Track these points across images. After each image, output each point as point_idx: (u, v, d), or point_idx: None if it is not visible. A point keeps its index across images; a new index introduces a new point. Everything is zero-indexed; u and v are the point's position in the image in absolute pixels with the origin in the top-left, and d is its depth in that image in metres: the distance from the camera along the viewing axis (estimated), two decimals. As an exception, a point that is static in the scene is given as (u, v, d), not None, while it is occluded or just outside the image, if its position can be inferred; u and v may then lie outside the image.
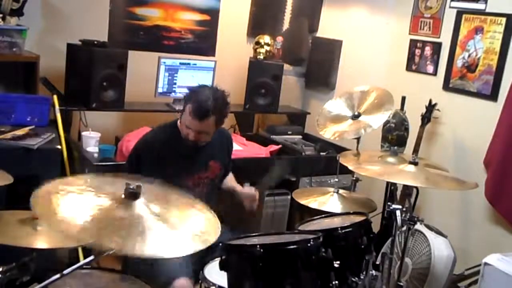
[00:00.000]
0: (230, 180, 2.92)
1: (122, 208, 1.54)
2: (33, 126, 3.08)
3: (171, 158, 2.57)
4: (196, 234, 1.59)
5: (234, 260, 1.89)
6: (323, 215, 2.58)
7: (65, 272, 1.55)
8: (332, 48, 4.46)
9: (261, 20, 4.42)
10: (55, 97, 3.26)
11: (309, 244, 1.87)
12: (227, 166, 2.88)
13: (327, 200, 2.85)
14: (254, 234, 2.14)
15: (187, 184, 2.56)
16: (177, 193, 1.77)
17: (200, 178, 2.66)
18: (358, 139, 3.02)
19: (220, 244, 1.88)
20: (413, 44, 3.83)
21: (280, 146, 3.94)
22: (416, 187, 3.24)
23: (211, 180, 2.74)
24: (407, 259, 3.15)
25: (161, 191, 1.74)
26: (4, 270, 1.55)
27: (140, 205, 1.57)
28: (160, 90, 3.80)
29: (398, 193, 3.41)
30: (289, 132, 4.28)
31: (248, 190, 2.79)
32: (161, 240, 1.51)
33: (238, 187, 2.84)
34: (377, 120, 2.97)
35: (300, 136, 4.32)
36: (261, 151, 3.79)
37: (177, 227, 1.59)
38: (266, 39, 4.13)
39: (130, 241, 1.44)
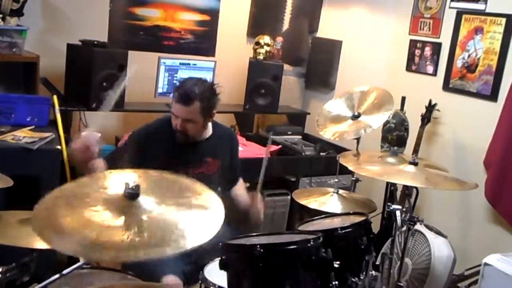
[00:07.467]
0: (239, 191, 2.85)
1: (122, 210, 1.52)
2: (33, 126, 3.08)
3: (162, 150, 2.56)
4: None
5: (234, 260, 1.88)
6: (323, 216, 2.58)
7: (65, 272, 1.55)
8: (332, 48, 4.47)
9: (261, 20, 4.42)
10: (55, 97, 3.26)
11: (309, 244, 1.87)
12: (232, 166, 2.84)
13: (327, 201, 2.85)
14: (254, 234, 2.14)
15: None
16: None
17: (193, 173, 2.64)
18: (358, 139, 3.02)
19: (220, 244, 1.88)
20: (413, 44, 3.83)
21: (280, 146, 3.94)
22: (416, 188, 3.23)
23: (207, 176, 2.71)
24: (407, 259, 3.15)
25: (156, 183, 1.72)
26: (4, 270, 1.55)
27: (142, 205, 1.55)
28: (160, 90, 3.80)
29: (398, 193, 3.41)
30: (289, 132, 4.28)
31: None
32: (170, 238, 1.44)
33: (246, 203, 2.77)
34: (377, 120, 2.96)
35: (300, 136, 4.32)
36: (261, 151, 3.78)
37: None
38: (266, 39, 4.13)
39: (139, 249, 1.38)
